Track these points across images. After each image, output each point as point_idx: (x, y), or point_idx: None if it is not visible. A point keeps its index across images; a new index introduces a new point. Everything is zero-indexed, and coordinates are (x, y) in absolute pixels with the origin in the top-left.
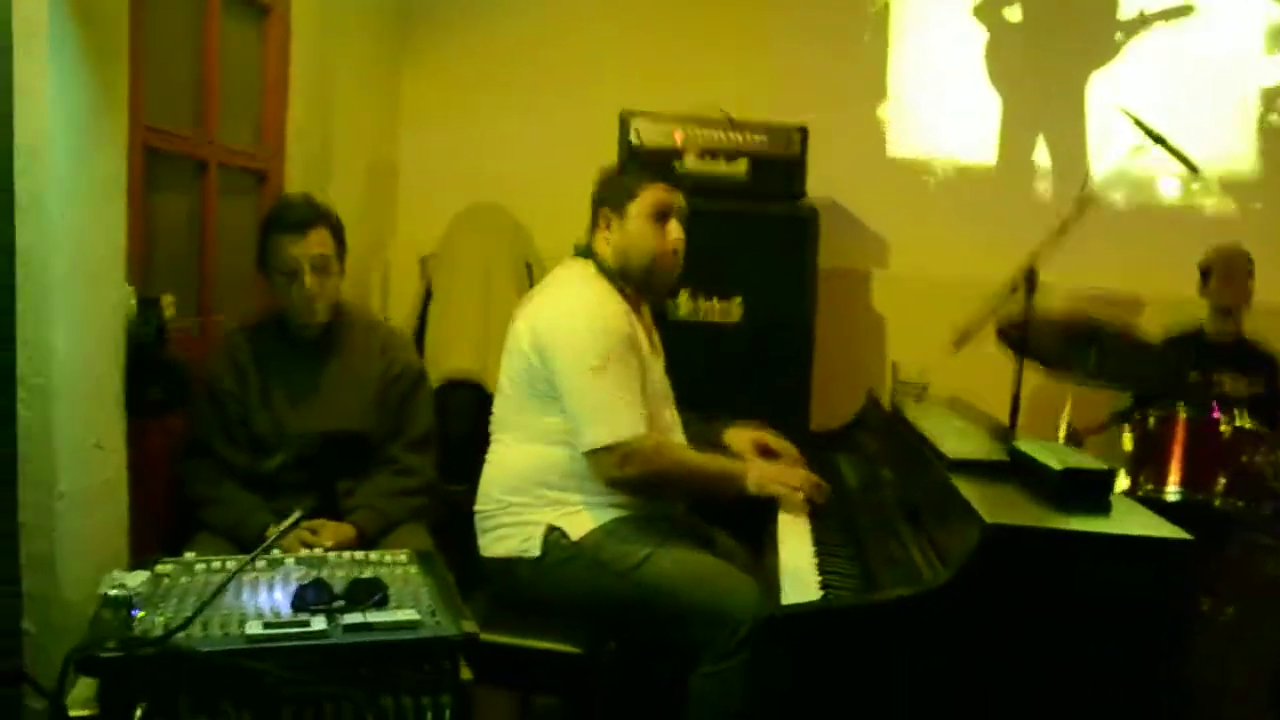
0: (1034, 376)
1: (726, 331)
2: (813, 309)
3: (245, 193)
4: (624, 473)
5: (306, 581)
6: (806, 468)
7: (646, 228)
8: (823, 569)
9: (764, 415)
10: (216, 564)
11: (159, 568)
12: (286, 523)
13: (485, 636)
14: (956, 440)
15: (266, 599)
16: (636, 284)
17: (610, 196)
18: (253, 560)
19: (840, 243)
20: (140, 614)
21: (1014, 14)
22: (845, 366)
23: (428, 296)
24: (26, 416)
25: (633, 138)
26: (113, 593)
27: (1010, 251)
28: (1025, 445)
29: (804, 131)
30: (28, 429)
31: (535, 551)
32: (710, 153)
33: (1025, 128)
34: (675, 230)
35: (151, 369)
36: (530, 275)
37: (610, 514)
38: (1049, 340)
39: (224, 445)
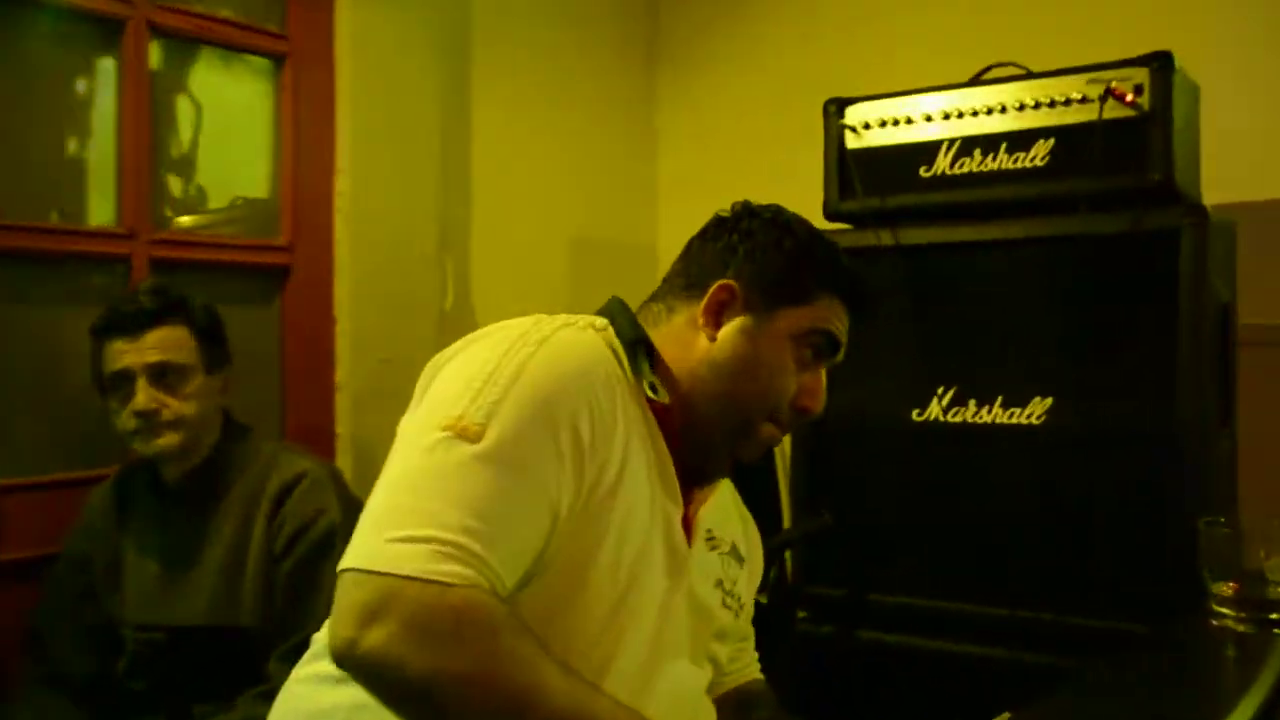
0: None
1: (1021, 440)
2: (1209, 398)
3: (248, 299)
4: (373, 634)
5: None
6: None
7: (785, 356)
8: None
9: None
10: None
11: None
12: None
13: None
14: None
15: None
16: (700, 436)
17: (766, 275)
18: None
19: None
20: None
21: None
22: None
23: None
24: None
25: (848, 140)
26: None
27: None
28: None
29: (1163, 61)
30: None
31: None
32: (983, 142)
33: None
34: (817, 380)
35: None
36: None
37: None
38: None
39: (59, 638)
